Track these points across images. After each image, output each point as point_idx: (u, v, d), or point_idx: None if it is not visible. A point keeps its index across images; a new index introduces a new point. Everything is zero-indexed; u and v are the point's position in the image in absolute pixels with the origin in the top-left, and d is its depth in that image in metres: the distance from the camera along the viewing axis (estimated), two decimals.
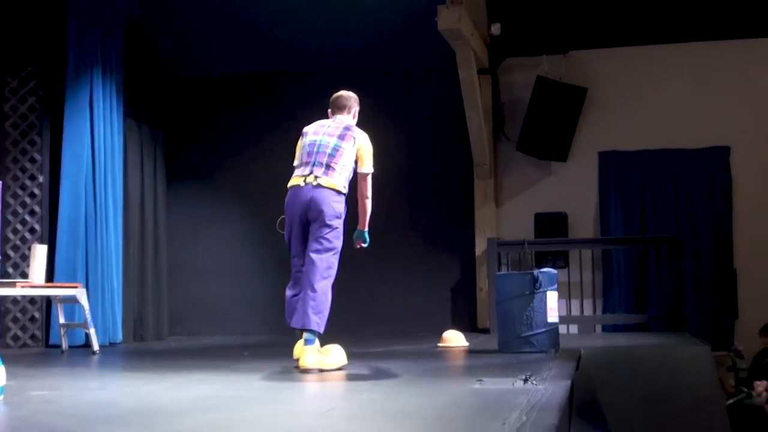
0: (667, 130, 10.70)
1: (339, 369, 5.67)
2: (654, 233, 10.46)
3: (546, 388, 4.29)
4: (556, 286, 6.98)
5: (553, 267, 8.28)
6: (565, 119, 10.62)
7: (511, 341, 6.84)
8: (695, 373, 6.76)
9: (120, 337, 9.37)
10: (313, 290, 5.67)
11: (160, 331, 10.74)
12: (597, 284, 10.48)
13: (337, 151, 5.95)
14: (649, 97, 10.83)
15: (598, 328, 10.52)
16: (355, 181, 6.10)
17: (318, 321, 5.64)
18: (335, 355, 5.80)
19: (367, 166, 6.10)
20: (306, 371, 5.47)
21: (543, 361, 5.83)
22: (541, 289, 6.82)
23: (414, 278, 10.92)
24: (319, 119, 6.30)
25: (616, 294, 10.57)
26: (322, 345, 5.77)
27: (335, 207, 5.81)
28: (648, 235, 10.48)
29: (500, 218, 11.00)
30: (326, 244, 5.75)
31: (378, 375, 5.48)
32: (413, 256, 10.96)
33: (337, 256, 5.84)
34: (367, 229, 6.25)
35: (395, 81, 11.20)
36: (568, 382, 4.72)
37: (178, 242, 11.36)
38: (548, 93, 10.57)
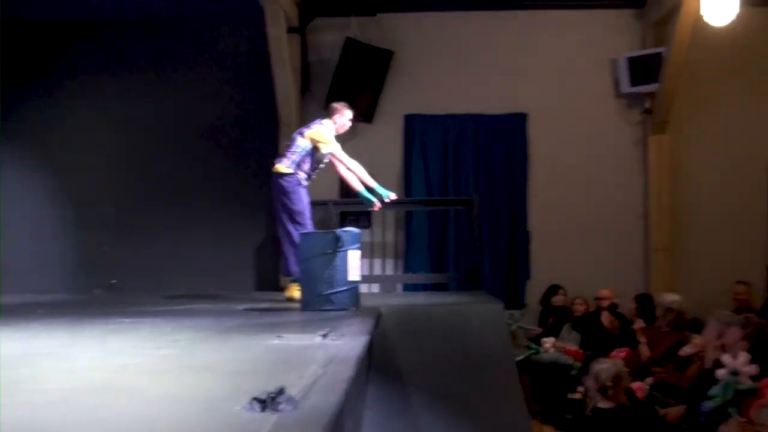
0: (470, 95, 11.03)
1: None
2: (455, 195, 10.78)
3: (344, 344, 4.36)
4: (358, 245, 7.04)
5: (357, 227, 8.36)
6: (372, 81, 10.76)
7: (312, 300, 6.86)
8: (488, 330, 7.02)
9: None
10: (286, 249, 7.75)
11: None
12: (399, 244, 10.71)
13: (292, 142, 7.83)
14: (454, 63, 11.12)
15: (400, 287, 10.77)
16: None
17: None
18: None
19: (326, 147, 7.72)
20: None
21: (343, 319, 5.90)
22: (343, 248, 6.87)
23: (219, 237, 10.85)
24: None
25: (417, 254, 10.84)
26: None
27: (281, 184, 7.68)
28: (449, 197, 10.78)
29: None
30: (287, 213, 7.69)
31: (178, 332, 5.41)
32: (218, 215, 10.87)
33: (299, 218, 7.69)
34: (362, 189, 7.84)
35: (204, 34, 11.02)
36: (367, 338, 4.81)
37: None
38: (356, 55, 10.66)
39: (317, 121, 8.00)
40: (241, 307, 7.52)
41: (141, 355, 4.15)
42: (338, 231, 6.93)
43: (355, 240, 7.00)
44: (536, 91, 11.08)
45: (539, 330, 10.25)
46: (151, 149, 10.96)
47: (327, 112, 8.07)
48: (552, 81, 11.11)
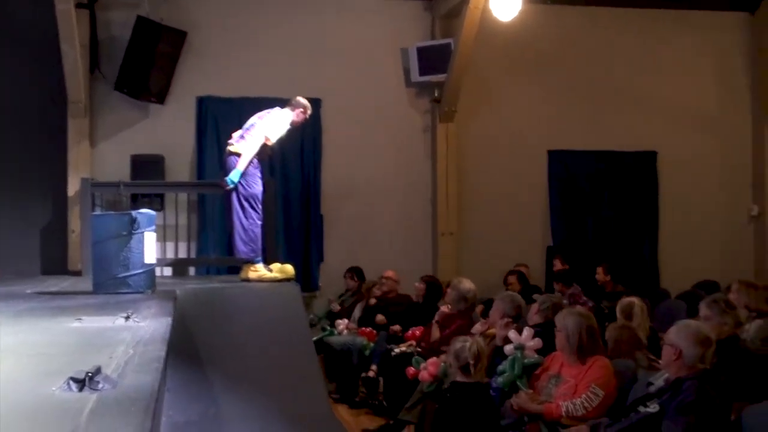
0: (264, 79, 11.02)
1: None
2: None
3: (148, 325, 4.33)
4: (154, 227, 6.98)
5: (150, 209, 8.22)
6: (165, 61, 10.56)
7: (106, 282, 6.73)
8: (285, 312, 7.12)
9: None
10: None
11: None
12: (192, 227, 10.59)
13: (252, 125, 8.14)
14: (249, 46, 11.11)
15: (192, 270, 10.67)
16: None
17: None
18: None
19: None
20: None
21: (141, 301, 5.85)
22: (139, 230, 6.78)
23: (3, 220, 10.34)
24: None
25: (210, 237, 10.77)
26: None
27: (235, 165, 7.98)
28: None
29: (95, 159, 10.72)
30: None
31: None
32: (1, 197, 10.36)
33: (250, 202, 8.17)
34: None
35: None
36: (169, 319, 4.79)
37: None
38: (148, 34, 10.43)
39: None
40: (29, 290, 7.26)
41: None
42: (134, 212, 6.82)
43: (151, 222, 6.93)
44: (330, 77, 11.21)
45: (338, 308, 10.42)
46: None
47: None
48: (345, 67, 11.29)
